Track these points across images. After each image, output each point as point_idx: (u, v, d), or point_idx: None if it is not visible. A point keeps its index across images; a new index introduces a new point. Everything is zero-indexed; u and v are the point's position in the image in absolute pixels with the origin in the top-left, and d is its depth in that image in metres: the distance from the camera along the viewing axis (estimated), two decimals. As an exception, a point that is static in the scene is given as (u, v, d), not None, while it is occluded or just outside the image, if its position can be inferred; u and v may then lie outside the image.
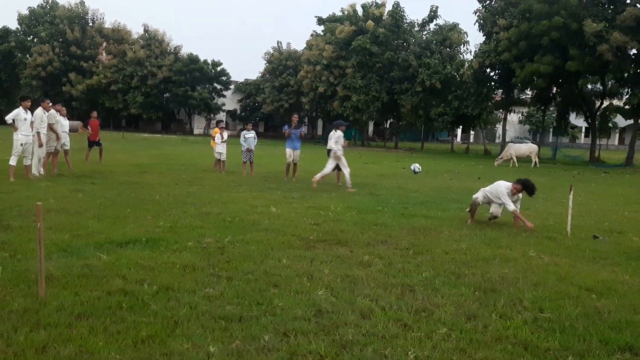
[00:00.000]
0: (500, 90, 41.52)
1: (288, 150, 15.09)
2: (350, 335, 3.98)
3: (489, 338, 4.07)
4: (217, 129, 17.55)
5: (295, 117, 15.75)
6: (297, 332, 4.01)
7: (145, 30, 61.27)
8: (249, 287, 5.01)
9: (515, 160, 27.79)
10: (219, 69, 62.32)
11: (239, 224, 8.08)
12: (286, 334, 3.97)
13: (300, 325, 4.12)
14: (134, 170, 16.06)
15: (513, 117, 58.11)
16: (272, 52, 60.26)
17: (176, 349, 3.67)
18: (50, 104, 13.82)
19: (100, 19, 62.39)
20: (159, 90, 59.03)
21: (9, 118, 12.37)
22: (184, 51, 62.15)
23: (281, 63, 58.11)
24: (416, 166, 15.21)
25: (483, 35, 39.34)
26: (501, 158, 28.13)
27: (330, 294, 4.92)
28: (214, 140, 17.39)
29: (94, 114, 19.13)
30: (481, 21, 38.63)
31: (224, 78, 62.93)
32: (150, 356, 3.57)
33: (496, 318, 4.48)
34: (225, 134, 17.19)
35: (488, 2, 38.75)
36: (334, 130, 13.96)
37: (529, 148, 29.50)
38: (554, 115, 49.05)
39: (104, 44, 61.15)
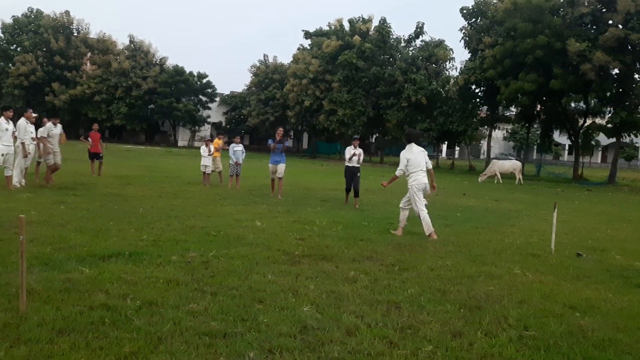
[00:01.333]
0: (485, 107, 42.03)
1: (271, 166, 14.51)
2: (336, 353, 3.95)
3: (474, 356, 4.06)
4: (218, 140, 17.87)
5: (280, 131, 15.33)
6: (282, 348, 3.97)
7: (131, 41, 61.09)
8: (234, 302, 4.96)
9: (499, 176, 28.03)
10: (204, 80, 62.14)
11: (223, 238, 8.02)
12: (271, 351, 3.93)
13: (285, 342, 4.08)
14: (117, 182, 15.92)
15: (498, 134, 58.88)
16: (258, 65, 60.47)
17: (159, 366, 3.61)
18: (35, 114, 13.74)
19: (86, 29, 61.99)
20: (144, 102, 58.72)
21: (-11, 129, 12.23)
22: (170, 62, 62.18)
23: (267, 76, 58.30)
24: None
25: (468, 52, 39.91)
26: (485, 174, 28.34)
27: (316, 310, 4.88)
28: (216, 151, 17.42)
29: (95, 126, 19.47)
30: (467, 38, 39.18)
31: (209, 90, 62.81)
32: (133, 373, 3.51)
33: (481, 336, 4.47)
34: (212, 147, 17.16)
35: (474, 19, 39.35)
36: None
37: (512, 165, 29.81)
38: (537, 132, 49.69)
39: (89, 54, 60.71)
